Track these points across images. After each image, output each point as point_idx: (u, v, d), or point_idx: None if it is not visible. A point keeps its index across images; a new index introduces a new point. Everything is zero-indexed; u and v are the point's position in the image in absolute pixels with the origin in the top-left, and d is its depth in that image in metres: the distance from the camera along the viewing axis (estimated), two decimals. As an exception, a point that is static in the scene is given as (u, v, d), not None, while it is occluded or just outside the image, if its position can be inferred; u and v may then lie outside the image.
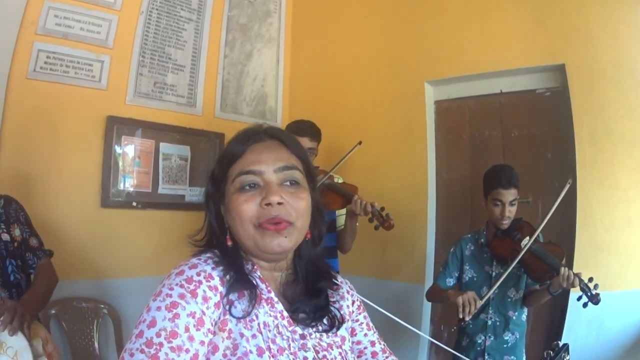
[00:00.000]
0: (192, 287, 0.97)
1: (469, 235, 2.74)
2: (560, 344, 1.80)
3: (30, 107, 3.05)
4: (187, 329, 0.92)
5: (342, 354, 1.13)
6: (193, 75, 3.77)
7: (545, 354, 1.50)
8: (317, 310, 1.12)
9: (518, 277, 2.52)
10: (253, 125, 1.17)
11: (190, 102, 3.76)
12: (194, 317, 0.94)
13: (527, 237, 2.41)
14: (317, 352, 1.07)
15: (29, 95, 3.05)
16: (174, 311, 0.92)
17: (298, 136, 2.87)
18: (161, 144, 3.57)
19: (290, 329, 1.05)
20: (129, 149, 3.43)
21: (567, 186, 2.44)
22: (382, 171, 3.72)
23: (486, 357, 2.51)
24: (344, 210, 2.96)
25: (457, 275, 2.69)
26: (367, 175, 3.57)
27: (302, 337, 1.06)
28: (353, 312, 1.24)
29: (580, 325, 2.86)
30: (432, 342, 2.89)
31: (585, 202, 2.93)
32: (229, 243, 1.10)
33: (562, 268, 2.28)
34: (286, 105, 4.43)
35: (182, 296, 0.95)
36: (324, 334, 1.11)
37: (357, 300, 1.26)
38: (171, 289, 0.96)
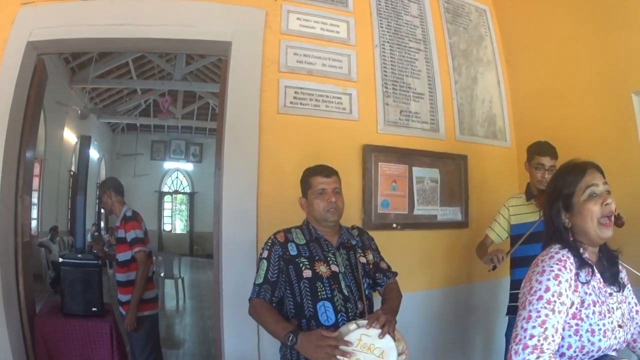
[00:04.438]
0: (562, 264, 1.66)
1: None
2: None
3: (285, 139, 3.46)
4: (566, 290, 1.62)
5: (627, 308, 1.85)
6: (432, 102, 4.13)
7: None
8: (614, 276, 1.84)
9: None
10: (579, 160, 1.91)
11: (434, 127, 4.10)
12: (567, 282, 1.64)
13: None
14: (618, 303, 1.78)
15: (281, 128, 3.47)
16: (558, 279, 1.62)
17: (540, 156, 3.32)
18: (413, 168, 3.93)
19: (604, 289, 1.76)
20: (385, 174, 3.79)
21: None
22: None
23: None
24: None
25: None
26: None
27: (610, 294, 1.78)
28: (626, 281, 1.92)
29: None
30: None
31: None
32: (571, 238, 1.81)
33: None
34: (513, 125, 4.70)
35: (560, 269, 1.64)
36: (617, 293, 1.81)
37: (625, 272, 1.94)
38: (551, 266, 1.66)
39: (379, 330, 2.15)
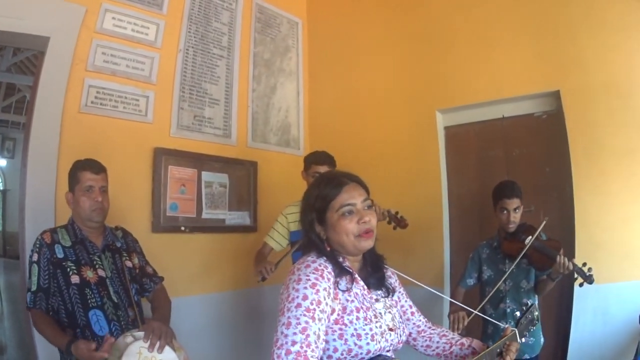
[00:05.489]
0: (320, 273, 1.67)
1: (485, 242, 3.47)
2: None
3: (83, 139, 3.50)
4: (325, 298, 1.63)
5: (398, 312, 1.95)
6: (227, 108, 4.40)
7: (519, 312, 2.43)
8: (380, 281, 1.92)
9: (527, 270, 3.22)
10: (338, 173, 1.93)
11: (226, 133, 4.38)
12: (326, 291, 1.65)
13: (530, 237, 3.09)
14: (386, 307, 1.86)
15: (81, 128, 3.51)
16: (316, 288, 1.62)
17: (318, 165, 3.52)
18: (203, 172, 4.16)
19: (369, 295, 1.81)
20: (175, 178, 3.98)
21: (544, 223, 3.13)
22: (402, 190, 4.40)
23: None
24: None
25: (476, 275, 3.41)
26: (388, 194, 4.12)
27: (376, 300, 1.84)
28: (397, 285, 2.04)
29: (586, 314, 3.55)
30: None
31: (582, 208, 3.64)
32: (328, 248, 1.82)
33: (558, 256, 2.93)
34: (307, 134, 5.14)
35: (317, 279, 1.65)
36: (385, 298, 1.89)
37: (396, 276, 2.07)
38: (307, 275, 1.66)
39: (157, 343, 2.16)
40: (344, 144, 4.57)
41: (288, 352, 1.49)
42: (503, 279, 3.11)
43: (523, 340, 2.08)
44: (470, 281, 3.41)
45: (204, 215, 4.15)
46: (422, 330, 2.10)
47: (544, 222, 3.12)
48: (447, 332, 2.10)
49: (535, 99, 4.03)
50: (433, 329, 2.11)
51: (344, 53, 5.08)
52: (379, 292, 1.90)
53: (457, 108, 4.38)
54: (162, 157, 3.90)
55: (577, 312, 3.59)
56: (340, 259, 1.81)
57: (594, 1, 3.77)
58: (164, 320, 2.48)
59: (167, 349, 2.19)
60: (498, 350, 1.92)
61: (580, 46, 3.77)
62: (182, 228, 3.98)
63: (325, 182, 1.88)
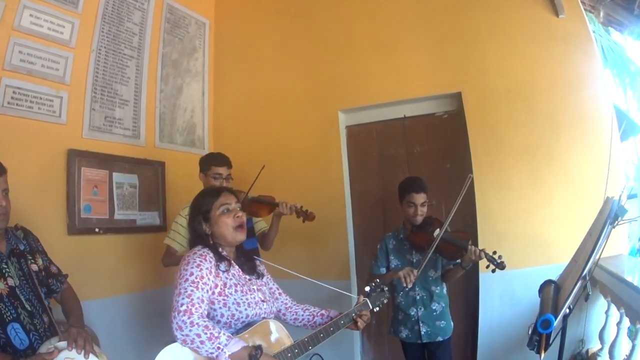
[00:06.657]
0: (204, 257, 2.30)
1: (390, 233, 3.66)
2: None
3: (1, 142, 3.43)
4: (207, 275, 2.25)
5: (268, 290, 2.61)
6: (136, 109, 4.55)
7: (369, 287, 2.80)
8: (252, 268, 2.59)
9: (434, 260, 3.42)
10: (217, 186, 3.09)
11: (135, 134, 4.54)
12: (208, 269, 2.27)
13: (438, 229, 3.27)
14: (258, 286, 2.50)
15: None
16: (200, 267, 2.25)
17: (218, 166, 3.72)
18: (114, 173, 4.28)
19: (244, 276, 2.48)
20: (87, 179, 4.08)
21: (469, 180, 3.27)
22: (305, 187, 4.78)
23: (421, 324, 3.43)
24: (259, 218, 4.05)
25: (386, 265, 3.57)
26: (292, 191, 4.47)
27: (249, 280, 2.50)
28: (264, 272, 2.71)
29: (493, 298, 3.97)
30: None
31: (484, 201, 4.06)
32: (211, 242, 2.47)
33: (470, 246, 3.16)
34: (212, 134, 5.40)
35: (201, 261, 2.27)
36: (257, 280, 2.55)
37: (264, 266, 2.76)
38: (194, 259, 2.27)
39: (82, 351, 2.17)
40: (248, 144, 4.88)
41: (179, 312, 2.08)
42: (420, 269, 3.21)
43: (377, 309, 2.74)
44: (383, 270, 3.55)
45: (116, 217, 4.27)
46: (289, 307, 2.73)
47: (470, 178, 3.33)
48: (309, 307, 2.74)
49: (437, 99, 4.48)
50: (297, 306, 2.75)
51: (250, 54, 5.35)
52: (252, 276, 2.55)
53: (359, 108, 4.80)
54: (76, 158, 3.97)
55: (484, 297, 4.00)
56: (220, 249, 2.45)
57: (498, 9, 4.24)
58: (80, 323, 2.48)
59: (90, 356, 2.21)
60: (353, 315, 2.60)
61: (483, 51, 4.23)
62: (97, 230, 4.07)
63: (207, 192, 2.60)
